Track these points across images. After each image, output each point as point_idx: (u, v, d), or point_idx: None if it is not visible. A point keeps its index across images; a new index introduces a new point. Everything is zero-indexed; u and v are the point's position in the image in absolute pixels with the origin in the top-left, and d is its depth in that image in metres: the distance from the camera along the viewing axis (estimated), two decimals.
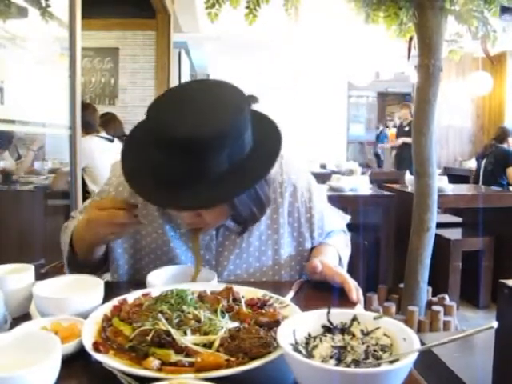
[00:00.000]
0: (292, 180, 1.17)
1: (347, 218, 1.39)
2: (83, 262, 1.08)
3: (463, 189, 3.91)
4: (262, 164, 0.89)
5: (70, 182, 2.67)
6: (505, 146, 5.01)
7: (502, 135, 5.07)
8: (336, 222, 1.31)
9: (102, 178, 3.35)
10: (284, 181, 1.16)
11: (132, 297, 0.85)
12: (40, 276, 0.94)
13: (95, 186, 3.39)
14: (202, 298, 0.82)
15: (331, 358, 0.61)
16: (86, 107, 3.58)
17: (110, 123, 3.90)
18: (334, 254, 1.19)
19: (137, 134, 0.98)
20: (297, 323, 0.68)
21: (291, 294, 0.97)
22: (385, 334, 0.66)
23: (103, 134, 3.67)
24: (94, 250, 1.06)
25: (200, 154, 0.83)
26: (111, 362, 0.64)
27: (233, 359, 0.65)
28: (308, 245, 1.19)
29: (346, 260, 1.25)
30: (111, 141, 3.61)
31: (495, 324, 0.57)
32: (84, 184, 3.31)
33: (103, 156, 3.39)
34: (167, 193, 0.87)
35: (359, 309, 0.90)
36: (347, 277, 0.98)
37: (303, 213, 1.17)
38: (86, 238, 1.02)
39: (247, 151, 0.89)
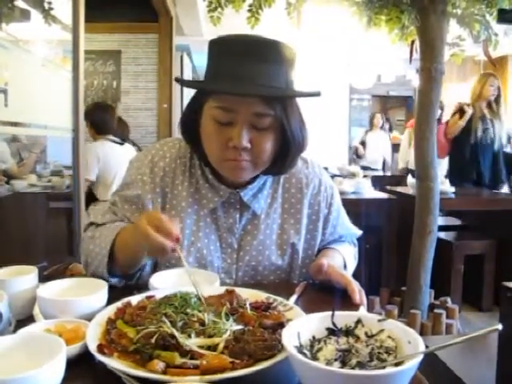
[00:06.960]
0: (317, 173, 1.21)
1: (359, 233, 1.35)
2: (120, 270, 1.06)
3: (466, 192, 3.90)
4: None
5: (72, 184, 2.67)
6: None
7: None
8: (349, 227, 1.30)
9: (111, 181, 3.36)
10: (309, 173, 1.20)
11: (136, 299, 0.85)
12: (43, 278, 0.94)
13: (103, 189, 3.38)
14: (206, 300, 0.82)
15: (336, 360, 0.61)
16: (105, 108, 3.59)
17: (120, 125, 3.88)
18: (340, 259, 1.19)
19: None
20: (301, 326, 0.68)
21: (295, 296, 0.98)
22: (389, 337, 0.65)
23: (111, 136, 3.62)
24: (138, 257, 1.03)
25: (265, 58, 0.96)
26: (116, 364, 0.64)
27: (237, 362, 0.65)
28: (318, 239, 1.19)
29: (351, 270, 1.24)
30: (121, 144, 3.57)
31: (500, 326, 0.57)
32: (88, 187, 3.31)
33: (115, 160, 3.37)
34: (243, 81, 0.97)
35: (362, 311, 0.90)
36: (351, 279, 0.99)
37: (323, 208, 1.20)
38: (130, 244, 1.00)
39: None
